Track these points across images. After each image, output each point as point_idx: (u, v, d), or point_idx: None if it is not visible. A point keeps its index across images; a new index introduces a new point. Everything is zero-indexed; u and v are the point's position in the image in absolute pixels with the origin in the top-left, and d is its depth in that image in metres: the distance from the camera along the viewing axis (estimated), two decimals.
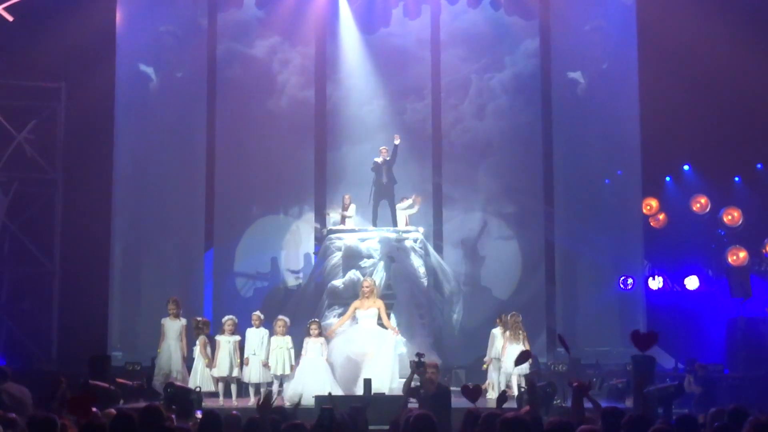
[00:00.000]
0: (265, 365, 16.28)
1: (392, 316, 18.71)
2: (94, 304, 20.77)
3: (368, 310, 17.15)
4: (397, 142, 21.21)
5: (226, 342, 16.41)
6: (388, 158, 21.20)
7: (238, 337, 16.54)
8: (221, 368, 16.30)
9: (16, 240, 20.83)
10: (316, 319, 17.23)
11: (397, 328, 17.56)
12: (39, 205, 21.23)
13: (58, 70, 20.83)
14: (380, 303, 17.44)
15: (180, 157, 23.35)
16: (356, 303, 17.50)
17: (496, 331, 18.01)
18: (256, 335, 16.49)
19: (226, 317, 16.79)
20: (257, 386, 16.41)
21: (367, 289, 17.39)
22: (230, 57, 23.87)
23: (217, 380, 16.37)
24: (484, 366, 18.21)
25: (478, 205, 24.08)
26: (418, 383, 12.44)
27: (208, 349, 16.35)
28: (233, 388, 16.49)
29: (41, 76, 20.87)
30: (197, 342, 16.38)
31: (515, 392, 16.77)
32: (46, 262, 20.91)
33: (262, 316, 16.73)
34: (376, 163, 21.37)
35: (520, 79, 24.33)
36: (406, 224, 21.31)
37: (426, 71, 24.12)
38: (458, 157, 24.12)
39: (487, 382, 17.81)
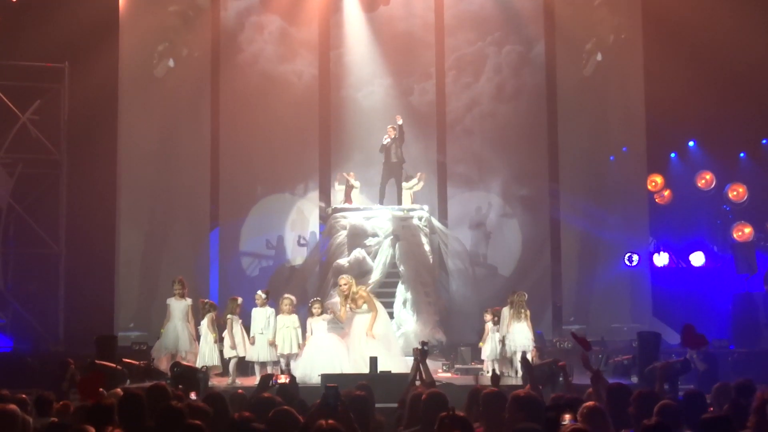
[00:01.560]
0: (272, 344, 16.30)
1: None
2: (100, 285, 20.84)
3: (362, 306, 16.46)
4: (399, 122, 21.20)
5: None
6: (395, 137, 21.20)
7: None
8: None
9: (22, 221, 20.85)
10: (318, 299, 17.18)
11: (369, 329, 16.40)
12: (44, 187, 21.23)
13: (61, 51, 20.78)
14: (366, 297, 16.59)
15: (184, 136, 23.28)
16: (347, 302, 16.48)
17: (506, 311, 18.06)
18: (261, 314, 16.49)
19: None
20: (263, 365, 16.43)
21: (345, 287, 16.51)
22: (233, 37, 23.80)
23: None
24: (481, 344, 18.22)
25: (483, 182, 24.05)
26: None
27: (215, 326, 16.39)
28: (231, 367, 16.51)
29: (45, 57, 20.82)
30: (205, 319, 16.40)
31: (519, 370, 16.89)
32: (52, 244, 20.94)
33: (264, 296, 16.72)
34: (383, 144, 21.36)
35: (524, 57, 24.24)
36: (412, 202, 21.30)
37: (430, 50, 24.05)
38: (463, 136, 24.08)
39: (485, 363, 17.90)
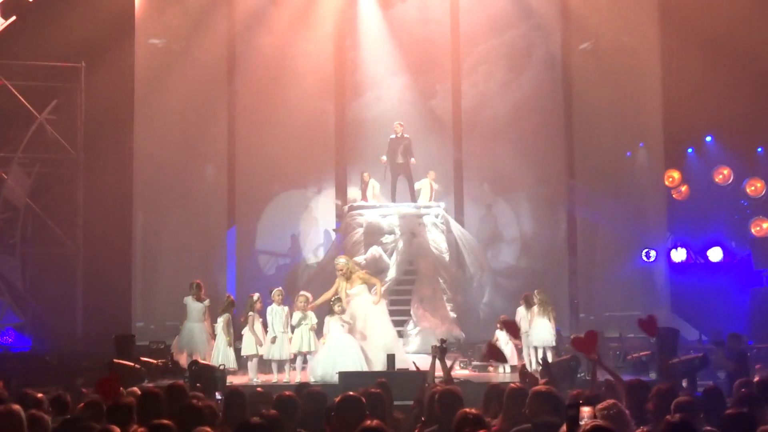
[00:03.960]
0: (290, 341, 16.27)
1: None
2: (117, 284, 20.88)
3: (354, 288, 16.48)
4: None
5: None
6: (402, 134, 21.22)
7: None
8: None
9: (39, 221, 20.91)
10: (339, 296, 17.16)
11: (378, 298, 16.59)
12: (61, 186, 21.30)
13: (77, 50, 20.81)
14: (361, 274, 16.79)
15: (201, 134, 23.34)
16: (340, 282, 16.65)
17: (522, 310, 18.05)
18: (280, 312, 16.46)
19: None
20: (280, 363, 16.40)
21: (340, 272, 16.59)
22: (249, 34, 23.78)
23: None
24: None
25: (500, 179, 24.01)
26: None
27: (230, 329, 16.37)
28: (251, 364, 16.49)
29: (61, 56, 20.86)
30: (221, 320, 16.38)
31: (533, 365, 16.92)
32: (69, 242, 21.00)
33: (284, 293, 16.71)
34: (391, 139, 21.39)
35: (540, 53, 24.19)
36: (431, 197, 21.29)
37: (446, 48, 24.01)
38: (479, 133, 24.06)
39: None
